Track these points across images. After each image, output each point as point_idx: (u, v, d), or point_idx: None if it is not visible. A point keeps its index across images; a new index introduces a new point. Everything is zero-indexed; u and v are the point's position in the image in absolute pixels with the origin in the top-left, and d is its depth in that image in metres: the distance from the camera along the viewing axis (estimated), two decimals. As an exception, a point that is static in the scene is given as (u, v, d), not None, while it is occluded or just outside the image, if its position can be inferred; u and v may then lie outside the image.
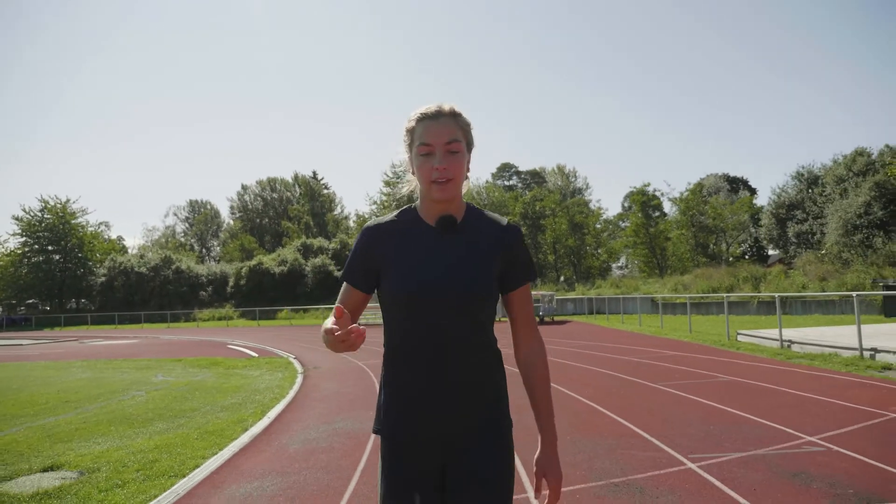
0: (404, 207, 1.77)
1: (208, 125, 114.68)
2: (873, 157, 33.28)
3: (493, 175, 75.29)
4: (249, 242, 64.33)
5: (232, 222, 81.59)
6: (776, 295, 13.60)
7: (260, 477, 4.68)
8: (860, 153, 33.37)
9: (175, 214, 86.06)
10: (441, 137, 1.61)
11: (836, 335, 12.18)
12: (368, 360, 12.54)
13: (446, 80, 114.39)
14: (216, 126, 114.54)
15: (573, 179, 75.76)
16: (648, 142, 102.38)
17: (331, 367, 12.08)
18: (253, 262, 51.19)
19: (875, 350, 9.90)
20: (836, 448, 4.73)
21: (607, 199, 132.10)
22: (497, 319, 1.74)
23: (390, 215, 1.75)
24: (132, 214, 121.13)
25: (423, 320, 1.60)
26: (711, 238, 39.93)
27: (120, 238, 73.05)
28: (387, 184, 50.66)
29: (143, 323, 42.88)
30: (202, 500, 4.16)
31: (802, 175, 34.89)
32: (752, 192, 58.77)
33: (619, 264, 58.29)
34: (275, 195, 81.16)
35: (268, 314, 42.41)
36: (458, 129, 1.65)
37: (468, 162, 1.71)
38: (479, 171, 72.59)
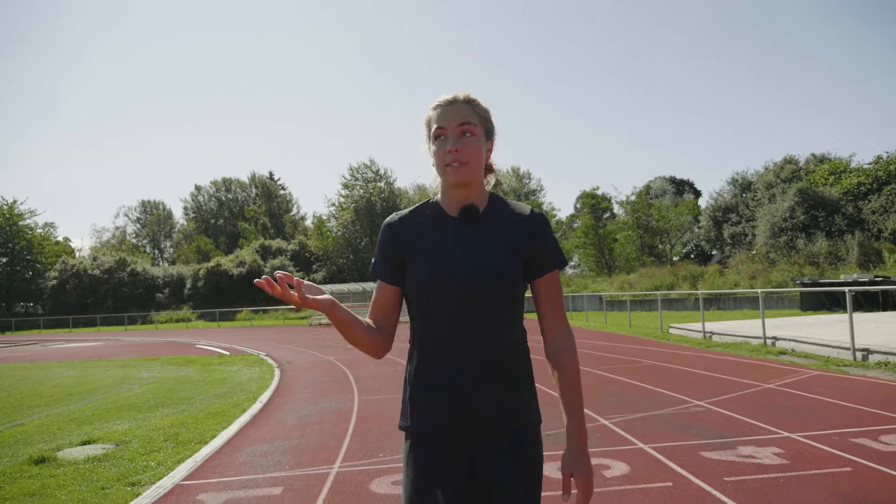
0: (425, 200, 1.75)
1: (160, 124, 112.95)
2: (801, 164, 35.98)
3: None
4: (206, 244, 64.23)
5: (186, 223, 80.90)
6: (700, 293, 15.32)
7: (269, 441, 5.86)
8: (789, 161, 36.02)
9: (126, 215, 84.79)
10: (453, 119, 1.59)
11: (751, 327, 13.90)
12: (339, 356, 13.69)
13: (401, 80, 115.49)
14: (168, 125, 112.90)
15: (527, 181, 77.79)
16: (602, 144, 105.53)
17: (302, 362, 13.18)
18: (210, 264, 51.39)
19: (776, 338, 11.60)
20: (713, 408, 6.20)
21: (562, 201, 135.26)
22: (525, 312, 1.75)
23: (410, 208, 1.73)
24: (78, 215, 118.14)
25: (448, 314, 1.57)
26: (656, 239, 42.20)
27: (66, 239, 71.69)
28: (345, 186, 51.49)
29: (98, 326, 42.75)
30: (228, 458, 5.32)
31: (737, 181, 37.55)
32: (698, 194, 61.79)
33: (573, 263, 60.54)
34: (230, 196, 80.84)
35: (227, 315, 42.82)
36: (473, 114, 1.62)
37: (489, 150, 1.68)
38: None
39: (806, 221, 27.47)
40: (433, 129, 1.61)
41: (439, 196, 1.70)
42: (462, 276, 1.56)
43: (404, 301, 1.69)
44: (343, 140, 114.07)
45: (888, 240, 25.12)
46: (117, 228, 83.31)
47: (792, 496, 3.65)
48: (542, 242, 1.65)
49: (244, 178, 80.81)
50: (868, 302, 19.69)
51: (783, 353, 10.64)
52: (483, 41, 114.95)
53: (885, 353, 8.93)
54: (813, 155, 36.24)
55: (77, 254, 63.75)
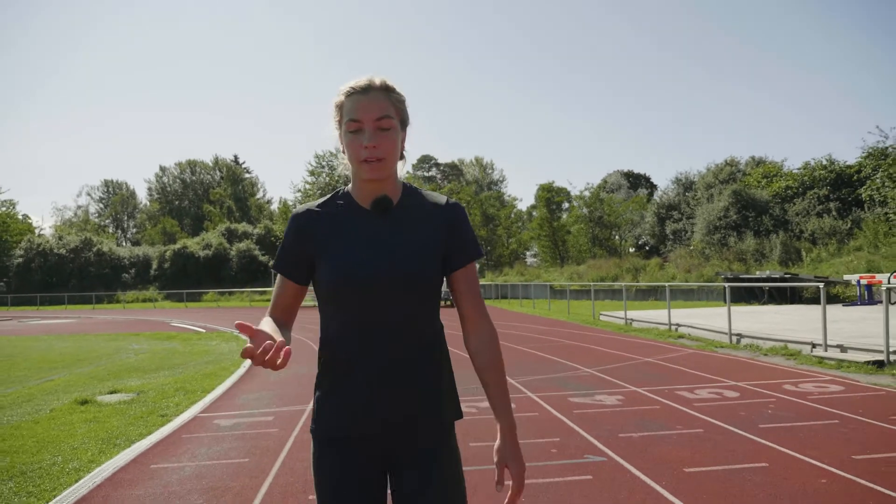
0: (336, 191, 1.65)
1: (124, 104, 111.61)
2: (742, 166, 38.73)
3: (414, 167, 78.34)
4: (172, 226, 64.77)
5: (149, 204, 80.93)
6: (623, 285, 17.55)
7: (257, 391, 7.70)
8: (729, 163, 38.77)
9: (89, 194, 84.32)
10: (371, 113, 1.48)
11: (663, 315, 16.13)
12: (305, 334, 15.49)
13: (364, 68, 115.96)
14: (132, 106, 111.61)
15: (490, 171, 79.95)
16: (566, 138, 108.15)
17: (274, 339, 14.94)
18: (177, 246, 52.31)
19: (679, 325, 13.81)
20: (595, 373, 8.26)
21: (524, 191, 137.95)
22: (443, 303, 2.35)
23: (320, 199, 1.62)
24: (36, 192, 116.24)
25: (361, 310, 1.50)
26: (607, 232, 44.71)
27: (26, 217, 71.21)
28: (311, 173, 52.75)
29: (66, 304, 43.50)
30: (229, 401, 7.14)
31: (681, 180, 40.33)
32: (654, 188, 64.65)
33: (532, 252, 63.01)
34: (194, 178, 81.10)
35: (194, 296, 44.00)
36: (391, 105, 1.52)
37: (403, 140, 1.58)
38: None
39: (738, 221, 30.07)
40: (346, 121, 1.51)
41: (350, 187, 1.62)
42: (375, 271, 1.49)
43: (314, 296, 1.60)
44: (309, 123, 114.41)
45: (808, 240, 27.83)
46: (79, 207, 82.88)
47: (613, 421, 5.64)
48: (459, 234, 1.60)
49: (208, 160, 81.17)
50: (780, 296, 22.24)
51: (681, 336, 12.81)
52: (451, 31, 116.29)
53: (752, 337, 11.13)
54: (752, 157, 39.11)
55: (38, 232, 63.61)
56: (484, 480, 3.99)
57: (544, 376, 8.13)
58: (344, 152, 1.55)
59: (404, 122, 1.59)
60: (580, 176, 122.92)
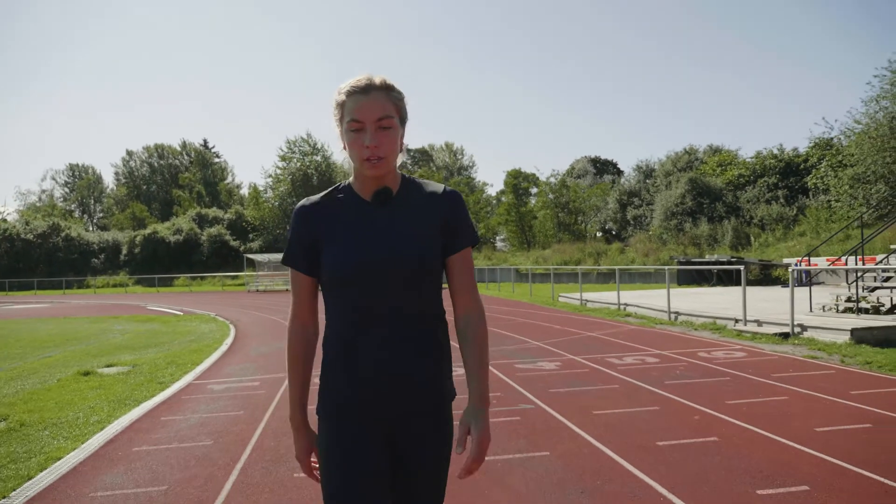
0: (337, 185, 1.73)
1: (89, 86, 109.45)
2: (700, 155, 40.32)
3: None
4: (141, 211, 64.49)
5: (116, 188, 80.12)
6: (579, 269, 18.74)
7: (242, 364, 8.64)
8: (688, 151, 40.34)
9: (54, 178, 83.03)
10: (372, 114, 1.55)
11: (614, 297, 17.38)
12: (281, 316, 16.37)
13: (334, 53, 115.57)
14: (97, 87, 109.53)
15: (460, 157, 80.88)
16: (535, 122, 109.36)
17: (249, 321, 15.80)
18: (147, 231, 52.34)
19: (627, 305, 15.06)
20: (541, 345, 9.38)
21: (494, 177, 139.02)
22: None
23: (322, 193, 1.72)
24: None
25: (364, 296, 1.58)
26: (572, 218, 46.10)
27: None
28: (282, 158, 53.07)
29: (35, 290, 43.44)
30: (218, 371, 8.07)
31: (641, 168, 41.88)
32: (620, 174, 66.24)
33: (502, 237, 64.32)
34: (163, 162, 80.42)
35: (166, 281, 44.29)
36: (391, 104, 1.59)
37: (402, 136, 1.66)
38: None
39: (693, 207, 31.59)
40: (348, 120, 1.57)
41: (352, 179, 1.69)
42: (378, 259, 1.56)
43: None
44: (276, 106, 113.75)
45: (757, 226, 29.45)
46: (44, 192, 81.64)
47: (547, 381, 6.73)
48: (456, 220, 1.68)
49: (176, 144, 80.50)
50: (727, 278, 23.74)
51: (628, 315, 14.04)
52: (420, 17, 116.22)
53: (688, 314, 12.38)
54: (710, 146, 40.73)
55: (1, 216, 62.81)
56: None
57: (497, 348, 9.20)
58: (345, 149, 1.63)
59: (403, 119, 1.67)
60: (550, 161, 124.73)
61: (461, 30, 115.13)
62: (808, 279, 20.40)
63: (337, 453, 1.60)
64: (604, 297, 17.89)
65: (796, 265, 20.54)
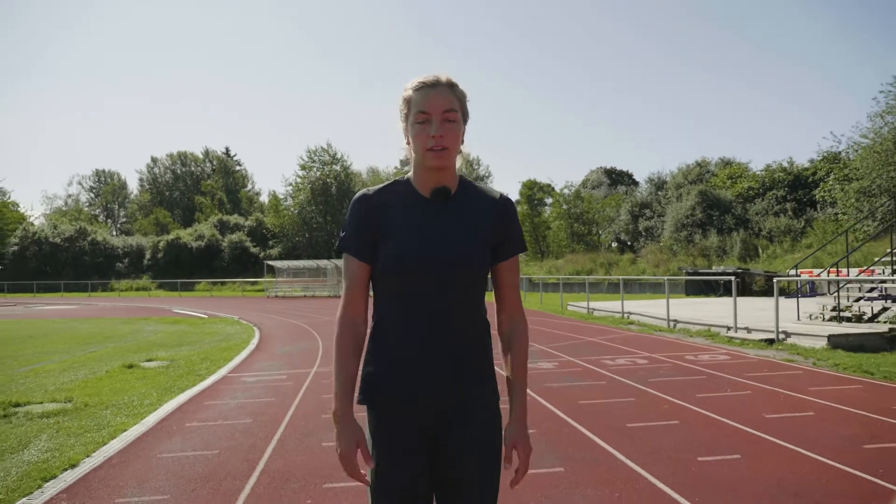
0: (397, 178, 1.77)
1: (116, 93, 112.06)
2: (712, 167, 40.84)
3: (402, 162, 79.89)
4: (164, 217, 66.13)
5: (139, 194, 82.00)
6: (587, 279, 19.48)
7: (269, 361, 9.51)
8: (700, 164, 40.86)
9: (80, 184, 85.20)
10: (439, 106, 1.63)
11: (618, 306, 18.09)
12: (300, 319, 17.27)
13: (353, 62, 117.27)
14: (124, 95, 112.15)
15: (476, 167, 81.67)
16: (552, 132, 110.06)
17: (272, 324, 16.72)
18: (171, 237, 53.81)
19: (630, 313, 15.77)
20: (544, 348, 10.15)
21: (509, 187, 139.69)
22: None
23: (381, 185, 1.75)
24: (24, 181, 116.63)
25: (417, 291, 1.63)
26: (586, 228, 46.73)
27: (13, 203, 72.01)
28: (302, 167, 54.27)
29: (62, 292, 44.89)
30: (248, 366, 8.94)
31: (653, 180, 42.55)
32: (635, 184, 66.74)
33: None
34: (185, 169, 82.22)
35: (187, 286, 45.53)
36: (455, 99, 1.67)
37: (463, 133, 1.71)
38: (390, 159, 77.01)
39: (703, 219, 32.14)
40: (415, 112, 1.64)
41: (411, 174, 1.74)
42: (433, 255, 1.62)
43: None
44: (297, 115, 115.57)
45: (765, 237, 29.95)
46: (69, 196, 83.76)
47: (544, 377, 7.50)
48: (509, 227, 1.74)
49: (198, 152, 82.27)
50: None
51: (631, 322, 14.75)
52: (436, 27, 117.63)
53: (686, 322, 13.08)
54: (721, 159, 41.24)
55: (29, 220, 64.65)
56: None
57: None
58: (409, 144, 1.70)
59: (465, 117, 1.73)
60: (566, 171, 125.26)
61: (479, 41, 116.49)
62: (811, 290, 20.98)
63: (384, 443, 1.64)
64: (610, 306, 18.58)
65: (778, 278, 21.13)
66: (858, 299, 11.25)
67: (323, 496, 3.69)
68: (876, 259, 14.65)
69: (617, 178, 66.87)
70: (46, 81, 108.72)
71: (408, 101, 1.68)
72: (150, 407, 6.22)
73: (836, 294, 11.02)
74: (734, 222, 31.29)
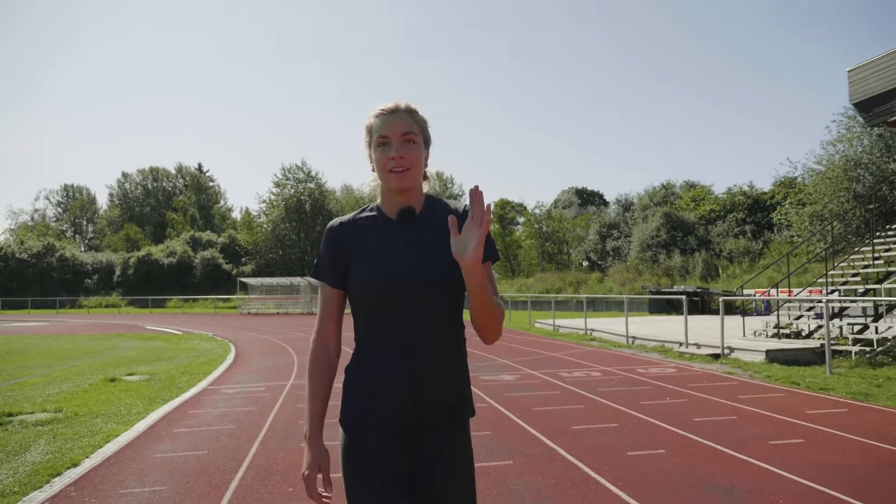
0: (366, 205, 1.84)
1: (85, 108, 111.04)
2: (677, 190, 42.26)
3: (369, 198, 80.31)
4: (135, 233, 65.63)
5: (109, 209, 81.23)
6: (552, 297, 20.21)
7: (246, 374, 9.99)
8: (665, 186, 42.28)
9: (47, 198, 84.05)
10: (398, 129, 1.69)
11: (583, 323, 18.86)
12: (274, 336, 17.67)
13: (328, 78, 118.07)
14: (93, 110, 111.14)
15: (450, 186, 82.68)
16: (525, 152, 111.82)
17: (247, 340, 17.11)
18: (141, 253, 53.52)
19: (593, 330, 16.53)
20: (507, 362, 10.80)
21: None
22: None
23: (352, 213, 1.82)
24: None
25: (389, 311, 1.66)
26: (556, 247, 47.82)
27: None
28: (276, 184, 54.56)
29: (29, 308, 44.35)
30: (227, 379, 9.41)
31: (621, 201, 43.97)
32: (606, 204, 68.29)
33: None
34: (157, 185, 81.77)
35: (158, 303, 45.34)
36: (415, 124, 1.73)
37: (426, 157, 1.78)
38: (364, 177, 77.45)
39: (667, 240, 33.36)
40: (376, 137, 1.71)
41: (379, 200, 1.80)
42: (402, 275, 1.65)
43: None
44: (271, 132, 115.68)
45: (726, 258, 31.18)
46: (36, 211, 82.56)
47: (504, 388, 8.13)
48: None
49: (171, 168, 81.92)
50: (694, 308, 25.34)
51: (593, 339, 15.49)
52: (412, 46, 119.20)
53: (643, 339, 13.86)
54: (686, 182, 42.75)
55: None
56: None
57: (477, 364, 10.60)
58: (373, 170, 1.75)
59: (427, 141, 1.79)
60: (538, 190, 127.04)
61: (453, 62, 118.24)
62: (766, 309, 22.05)
63: (358, 461, 1.66)
64: (575, 323, 19.35)
65: (754, 296, 22.18)
66: (798, 317, 12.13)
67: (303, 485, 4.25)
68: (813, 280, 15.64)
69: (588, 199, 68.40)
70: (13, 93, 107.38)
71: (369, 129, 1.75)
72: (137, 416, 6.70)
73: (776, 312, 11.89)
74: (696, 243, 32.53)
